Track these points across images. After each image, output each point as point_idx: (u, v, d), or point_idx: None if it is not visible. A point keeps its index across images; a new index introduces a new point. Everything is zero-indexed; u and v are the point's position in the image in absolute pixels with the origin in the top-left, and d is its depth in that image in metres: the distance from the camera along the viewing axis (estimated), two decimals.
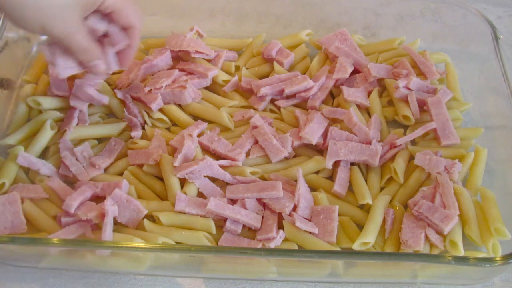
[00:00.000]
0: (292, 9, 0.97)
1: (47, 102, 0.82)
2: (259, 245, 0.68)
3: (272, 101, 0.86)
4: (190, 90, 0.84)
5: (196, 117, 0.84)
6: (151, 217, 0.71)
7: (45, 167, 0.75)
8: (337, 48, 0.88)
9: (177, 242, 0.68)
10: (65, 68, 0.67)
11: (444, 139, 0.78)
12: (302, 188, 0.72)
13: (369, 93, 0.85)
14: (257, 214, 0.71)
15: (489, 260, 0.61)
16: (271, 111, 0.86)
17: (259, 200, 0.72)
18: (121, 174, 0.76)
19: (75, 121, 0.80)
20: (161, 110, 0.83)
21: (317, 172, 0.77)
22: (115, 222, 0.69)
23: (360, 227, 0.70)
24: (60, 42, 0.62)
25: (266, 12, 0.97)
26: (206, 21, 0.97)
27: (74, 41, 0.61)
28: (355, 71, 0.88)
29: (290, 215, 0.70)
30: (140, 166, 0.76)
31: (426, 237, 0.68)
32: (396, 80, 0.85)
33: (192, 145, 0.76)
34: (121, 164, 0.78)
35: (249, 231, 0.71)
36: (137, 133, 0.80)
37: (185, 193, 0.72)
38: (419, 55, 0.88)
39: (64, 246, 0.62)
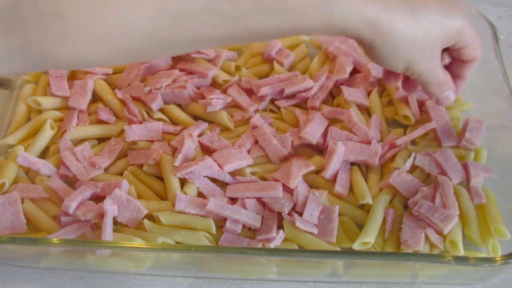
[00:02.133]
0: None
1: (47, 102, 0.82)
2: (259, 245, 0.68)
3: (272, 101, 0.86)
4: (190, 90, 0.84)
5: (196, 117, 0.84)
6: (151, 217, 0.71)
7: (45, 167, 0.75)
8: (337, 48, 0.88)
9: (177, 242, 0.68)
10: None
11: (444, 141, 0.78)
12: (301, 187, 0.72)
13: (369, 93, 0.86)
14: (257, 214, 0.71)
15: (489, 260, 0.61)
16: (271, 111, 0.86)
17: (259, 200, 0.72)
18: (121, 174, 0.76)
19: (75, 121, 0.80)
20: (161, 110, 0.83)
21: (317, 172, 0.77)
22: (115, 222, 0.69)
23: (360, 227, 0.70)
24: (416, 77, 0.60)
25: None
26: None
27: (434, 76, 0.59)
28: (355, 71, 0.88)
29: (289, 214, 0.70)
30: (140, 166, 0.76)
31: (426, 237, 0.68)
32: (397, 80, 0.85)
33: (192, 145, 0.76)
34: (121, 164, 0.78)
35: (249, 231, 0.71)
36: None
37: (185, 193, 0.72)
38: None
39: (64, 246, 0.62)
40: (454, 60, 0.63)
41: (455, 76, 0.65)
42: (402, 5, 0.52)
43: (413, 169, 0.76)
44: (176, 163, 0.73)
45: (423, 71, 0.58)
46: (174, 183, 0.73)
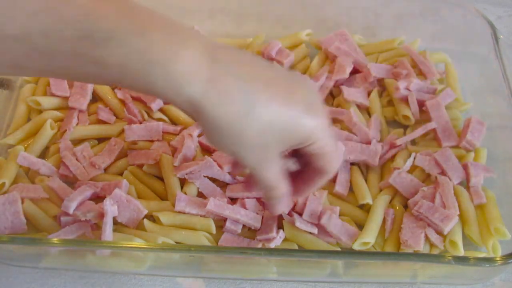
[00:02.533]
0: (292, 9, 0.97)
1: (47, 102, 0.82)
2: (259, 245, 0.68)
3: None
4: None
5: None
6: (151, 217, 0.71)
7: (45, 167, 0.75)
8: (337, 48, 0.88)
9: (177, 242, 0.68)
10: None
11: (444, 141, 0.78)
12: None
13: (369, 93, 0.86)
14: (257, 214, 0.71)
15: (489, 260, 0.61)
16: None
17: (259, 200, 0.72)
18: (121, 174, 0.76)
19: (75, 121, 0.80)
20: (161, 110, 0.83)
21: None
22: (115, 222, 0.69)
23: (360, 227, 0.70)
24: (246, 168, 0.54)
25: (266, 12, 0.97)
26: (206, 21, 0.97)
27: (263, 176, 0.52)
28: (355, 71, 0.88)
29: (289, 214, 0.70)
30: (140, 166, 0.76)
31: (426, 237, 0.68)
32: (396, 80, 0.85)
33: (192, 145, 0.76)
34: (121, 164, 0.78)
35: (249, 231, 0.71)
36: None
37: (185, 193, 0.72)
38: (419, 55, 0.88)
39: (64, 246, 0.62)
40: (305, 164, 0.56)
41: (303, 181, 0.57)
42: (240, 97, 0.45)
43: (413, 169, 0.76)
44: (176, 163, 0.73)
45: (250, 167, 0.51)
46: (174, 183, 0.73)
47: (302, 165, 0.57)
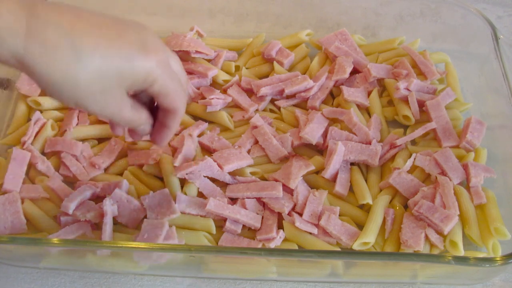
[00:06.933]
0: (292, 9, 0.97)
1: (47, 102, 0.82)
2: (259, 245, 0.68)
3: (272, 101, 0.86)
4: (190, 90, 0.84)
5: (196, 117, 0.84)
6: None
7: (44, 165, 0.75)
8: (337, 48, 0.88)
9: None
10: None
11: (444, 141, 0.78)
12: (301, 187, 0.72)
13: (369, 93, 0.86)
14: (257, 214, 0.71)
15: (489, 260, 0.61)
16: (271, 111, 0.86)
17: (259, 200, 0.72)
18: (121, 174, 0.76)
19: (75, 121, 0.80)
20: None
21: (317, 172, 0.77)
22: (115, 222, 0.69)
23: (360, 227, 0.70)
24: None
25: (266, 12, 0.97)
26: (206, 21, 0.97)
27: (117, 117, 0.53)
28: (355, 71, 0.88)
29: (289, 214, 0.70)
30: (140, 166, 0.76)
31: (426, 237, 0.68)
32: (396, 80, 0.85)
33: (192, 145, 0.76)
34: (121, 164, 0.78)
35: (249, 231, 0.71)
36: None
37: (185, 193, 0.72)
38: (419, 55, 0.88)
39: (64, 246, 0.62)
40: (158, 105, 0.57)
41: (160, 123, 0.58)
42: (64, 45, 0.46)
43: (413, 169, 0.76)
44: (176, 163, 0.73)
45: (99, 114, 0.52)
46: (174, 183, 0.73)
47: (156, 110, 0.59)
